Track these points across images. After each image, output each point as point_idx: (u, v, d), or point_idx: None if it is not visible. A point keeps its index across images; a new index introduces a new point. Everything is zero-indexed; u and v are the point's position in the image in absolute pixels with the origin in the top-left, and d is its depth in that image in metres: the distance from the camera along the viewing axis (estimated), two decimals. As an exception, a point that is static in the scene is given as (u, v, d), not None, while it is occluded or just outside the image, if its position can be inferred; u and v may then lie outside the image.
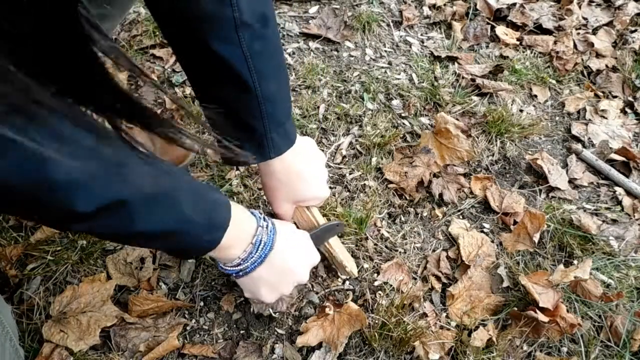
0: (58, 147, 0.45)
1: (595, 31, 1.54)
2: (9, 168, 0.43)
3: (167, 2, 0.64)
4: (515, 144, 1.24)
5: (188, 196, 0.61)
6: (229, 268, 0.73)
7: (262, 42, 0.68)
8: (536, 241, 1.03)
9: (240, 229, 0.71)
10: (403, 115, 1.27)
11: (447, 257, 1.03)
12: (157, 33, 1.38)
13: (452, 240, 1.06)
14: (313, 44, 1.43)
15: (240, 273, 0.74)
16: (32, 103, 0.37)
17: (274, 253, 0.74)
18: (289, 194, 0.83)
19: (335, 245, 0.91)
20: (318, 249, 0.85)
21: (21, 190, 0.46)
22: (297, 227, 0.88)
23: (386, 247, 1.04)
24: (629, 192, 1.16)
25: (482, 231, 1.08)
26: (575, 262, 1.02)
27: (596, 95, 1.38)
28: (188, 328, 0.91)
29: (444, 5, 1.56)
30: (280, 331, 0.91)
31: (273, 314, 0.91)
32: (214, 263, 0.98)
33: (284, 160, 0.78)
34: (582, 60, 1.45)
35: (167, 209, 0.58)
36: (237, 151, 0.72)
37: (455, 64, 1.41)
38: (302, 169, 0.82)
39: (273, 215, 0.87)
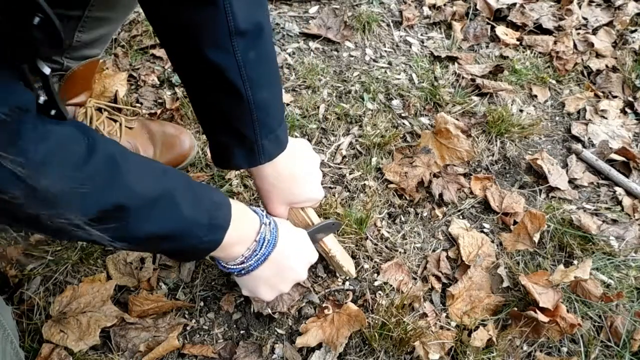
0: (47, 157, 0.45)
1: (595, 31, 1.53)
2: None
3: (163, 7, 0.64)
4: (515, 144, 1.24)
5: (187, 197, 0.61)
6: (232, 267, 0.73)
7: (256, 50, 0.67)
8: (536, 241, 1.03)
9: (244, 227, 0.71)
10: (403, 115, 1.27)
11: (447, 257, 1.03)
12: (157, 33, 1.38)
13: (452, 240, 1.06)
14: (313, 44, 1.43)
15: (243, 271, 0.74)
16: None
17: (276, 251, 0.74)
18: (282, 197, 0.83)
19: (333, 246, 0.91)
20: (316, 249, 0.85)
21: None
22: None
23: (386, 247, 1.04)
24: (629, 192, 1.16)
25: (482, 231, 1.08)
26: (575, 262, 1.02)
27: (596, 95, 1.38)
28: (188, 328, 0.91)
29: (444, 5, 1.56)
30: (280, 331, 0.91)
31: (272, 314, 0.92)
32: (214, 263, 0.98)
33: (276, 164, 0.78)
34: (582, 60, 1.45)
35: (167, 211, 0.58)
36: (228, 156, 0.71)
37: (455, 64, 1.41)
38: (295, 172, 0.82)
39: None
